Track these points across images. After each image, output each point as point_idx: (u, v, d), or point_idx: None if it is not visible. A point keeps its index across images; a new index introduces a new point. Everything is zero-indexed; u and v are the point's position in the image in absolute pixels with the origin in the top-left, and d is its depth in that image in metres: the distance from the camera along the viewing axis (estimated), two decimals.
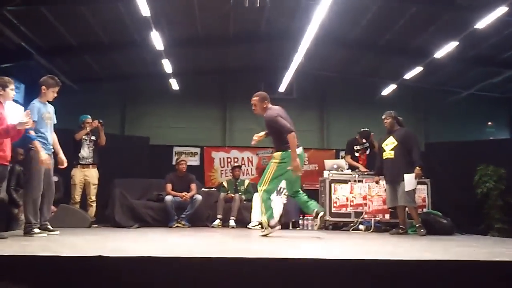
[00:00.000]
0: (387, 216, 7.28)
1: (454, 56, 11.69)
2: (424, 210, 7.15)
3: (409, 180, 6.17)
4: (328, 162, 8.01)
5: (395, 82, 14.27)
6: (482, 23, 9.51)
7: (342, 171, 7.67)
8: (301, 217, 7.96)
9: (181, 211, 7.53)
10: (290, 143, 4.96)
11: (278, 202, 7.34)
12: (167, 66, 12.54)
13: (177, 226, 7.31)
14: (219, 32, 12.33)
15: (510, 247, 4.54)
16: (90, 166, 7.28)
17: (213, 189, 8.92)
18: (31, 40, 10.85)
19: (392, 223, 7.01)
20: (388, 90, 14.76)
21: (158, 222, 7.43)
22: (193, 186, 7.83)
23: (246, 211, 7.78)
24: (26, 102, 12.17)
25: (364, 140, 7.89)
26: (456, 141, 10.67)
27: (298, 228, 7.92)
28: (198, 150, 12.22)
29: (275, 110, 5.26)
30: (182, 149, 12.08)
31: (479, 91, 14.76)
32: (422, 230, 6.17)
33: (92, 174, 7.27)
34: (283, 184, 6.63)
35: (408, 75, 13.40)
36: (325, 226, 7.20)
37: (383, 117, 6.64)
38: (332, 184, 7.44)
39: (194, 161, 11.98)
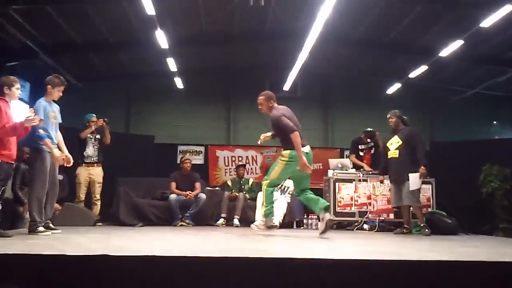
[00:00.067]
0: (391, 216, 7.26)
1: (459, 55, 11.64)
2: (429, 209, 7.13)
3: (413, 180, 6.15)
4: (333, 161, 8.00)
5: (400, 81, 14.24)
6: (487, 22, 9.47)
7: (346, 170, 7.65)
8: (305, 216, 7.96)
9: (185, 210, 7.55)
10: (294, 143, 4.95)
11: (283, 201, 7.32)
12: (172, 64, 12.57)
13: (181, 225, 7.33)
14: (224, 31, 12.33)
15: None
16: (95, 164, 7.31)
17: (218, 188, 8.92)
18: (37, 38, 10.90)
19: (397, 223, 6.99)
20: (393, 89, 14.72)
21: (162, 221, 7.45)
22: (198, 185, 7.85)
23: (250, 210, 7.77)
24: (31, 101, 12.20)
25: (369, 140, 7.87)
26: (461, 140, 10.64)
27: (302, 228, 7.92)
28: (202, 148, 12.23)
29: (280, 109, 5.25)
30: (187, 147, 12.09)
31: (484, 90, 14.70)
32: (426, 230, 6.16)
33: (97, 173, 7.30)
34: (287, 183, 6.64)
35: (413, 74, 13.37)
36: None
37: (388, 116, 6.62)
38: (337, 183, 7.43)
39: (199, 159, 12.00)
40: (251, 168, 12.01)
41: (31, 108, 4.68)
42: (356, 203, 7.37)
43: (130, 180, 8.07)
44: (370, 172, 7.51)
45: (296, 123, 5.19)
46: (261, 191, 7.51)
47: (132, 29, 11.34)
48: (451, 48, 11.09)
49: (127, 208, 7.35)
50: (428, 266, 2.67)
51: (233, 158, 12.23)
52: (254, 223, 6.74)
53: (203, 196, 7.68)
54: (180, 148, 12.07)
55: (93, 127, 7.29)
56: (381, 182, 7.05)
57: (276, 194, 5.56)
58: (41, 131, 4.79)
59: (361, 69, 14.66)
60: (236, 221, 7.66)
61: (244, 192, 8.15)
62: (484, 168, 8.39)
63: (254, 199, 7.87)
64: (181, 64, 12.98)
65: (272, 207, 5.28)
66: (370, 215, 7.29)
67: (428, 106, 15.45)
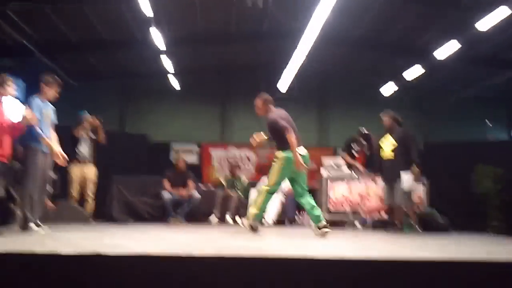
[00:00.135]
0: (383, 215, 7.29)
1: (455, 56, 11.70)
2: (421, 209, 7.16)
3: (406, 179, 6.18)
4: (326, 161, 8.01)
5: (395, 82, 14.28)
6: (483, 24, 9.51)
7: (340, 169, 7.67)
8: (298, 213, 7.98)
9: (179, 208, 7.54)
10: (289, 142, 4.96)
11: (276, 199, 7.35)
12: (167, 64, 12.54)
13: (174, 223, 7.32)
14: (220, 31, 12.33)
15: (506, 246, 4.56)
16: (88, 162, 7.28)
17: (211, 187, 8.93)
18: (33, 37, 10.85)
19: (389, 222, 7.01)
20: (389, 89, 14.77)
21: (155, 218, 7.47)
22: (191, 183, 7.85)
23: (243, 208, 7.77)
24: (27, 99, 12.15)
25: (363, 141, 7.89)
26: (455, 141, 10.68)
27: (295, 225, 7.93)
28: (196, 147, 12.24)
29: (276, 112, 5.27)
30: (181, 146, 12.09)
31: (479, 91, 14.78)
32: (418, 228, 6.18)
33: (90, 171, 7.27)
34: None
35: (408, 75, 13.41)
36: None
37: (382, 117, 6.64)
38: (330, 182, 7.45)
39: (192, 158, 12.00)
40: (245, 167, 12.03)
41: (27, 107, 4.68)
42: (349, 201, 7.40)
43: (124, 178, 8.05)
44: (363, 171, 7.53)
45: (293, 126, 5.18)
46: (256, 191, 7.59)
47: (128, 29, 11.32)
48: (447, 49, 11.14)
49: (120, 205, 7.36)
50: (419, 265, 2.68)
51: (227, 157, 12.24)
52: (243, 218, 6.71)
53: (196, 195, 7.68)
54: (174, 146, 12.07)
55: (86, 124, 7.25)
56: (374, 181, 7.06)
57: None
58: (39, 130, 4.79)
59: (357, 70, 14.71)
60: (229, 219, 7.67)
61: (236, 189, 8.18)
62: (477, 168, 8.43)
63: (247, 197, 7.90)
64: (177, 64, 12.97)
65: (263, 213, 5.30)
66: (362, 214, 7.31)
67: (423, 107, 15.53)
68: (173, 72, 13.47)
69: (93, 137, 7.33)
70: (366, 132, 7.91)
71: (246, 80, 14.48)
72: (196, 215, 7.73)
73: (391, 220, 6.83)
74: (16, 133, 4.57)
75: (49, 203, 6.90)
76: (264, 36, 12.73)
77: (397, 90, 14.54)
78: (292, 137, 4.96)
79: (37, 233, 4.51)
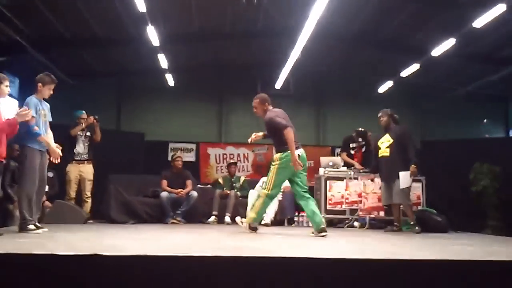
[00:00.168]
0: (382, 214, 7.29)
1: (451, 53, 11.70)
2: (419, 207, 7.16)
3: (404, 178, 6.18)
4: (324, 160, 8.01)
5: (392, 79, 14.30)
6: (480, 21, 9.52)
7: (337, 168, 7.67)
8: (297, 214, 7.97)
9: (177, 208, 7.52)
10: (287, 139, 4.96)
11: (274, 199, 7.33)
12: (163, 61, 12.51)
13: (173, 223, 7.31)
14: (216, 28, 12.30)
15: (504, 246, 4.57)
16: (85, 162, 7.25)
17: (209, 186, 8.92)
18: (26, 34, 10.78)
19: (387, 221, 7.02)
20: (385, 87, 14.79)
21: (153, 218, 7.43)
22: (189, 182, 7.83)
23: (242, 208, 7.75)
24: (20, 96, 12.12)
25: (360, 139, 7.90)
26: (452, 139, 10.72)
27: (293, 225, 7.93)
28: (194, 146, 12.22)
29: (274, 112, 5.27)
30: (178, 145, 12.08)
31: (476, 89, 14.80)
32: (416, 227, 6.19)
33: (87, 170, 7.24)
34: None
35: (405, 72, 13.43)
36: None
37: (379, 115, 6.63)
38: (328, 181, 7.44)
39: (190, 157, 12.00)
40: (243, 166, 12.04)
41: (24, 107, 4.65)
42: (347, 201, 7.39)
43: (121, 177, 8.03)
44: (361, 170, 7.53)
45: (291, 125, 5.19)
46: (253, 189, 7.58)
47: (123, 25, 11.27)
48: (443, 46, 11.15)
49: (117, 205, 7.32)
50: (418, 265, 2.69)
51: (225, 156, 12.25)
52: (241, 218, 6.71)
53: (194, 193, 7.66)
54: (171, 145, 12.06)
55: (83, 124, 7.23)
56: (372, 180, 7.07)
57: None
58: (36, 128, 4.77)
59: (354, 67, 14.71)
60: (227, 219, 7.65)
61: (235, 190, 8.15)
62: (474, 167, 8.46)
63: (246, 196, 7.87)
64: (173, 61, 12.94)
65: (262, 215, 5.32)
66: (360, 213, 7.31)
67: (420, 105, 15.54)
68: (169, 70, 13.43)
69: (90, 136, 7.31)
70: (363, 130, 7.92)
71: (242, 78, 14.46)
72: (194, 214, 7.71)
73: (389, 219, 6.85)
74: (11, 131, 4.54)
75: (47, 202, 6.89)
76: (259, 34, 12.69)
77: (394, 87, 14.55)
78: (290, 134, 4.96)
79: (35, 234, 4.49)
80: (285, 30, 11.76)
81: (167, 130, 14.23)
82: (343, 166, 7.76)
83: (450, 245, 4.39)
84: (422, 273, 2.57)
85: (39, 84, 4.98)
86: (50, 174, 6.89)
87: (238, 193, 8.09)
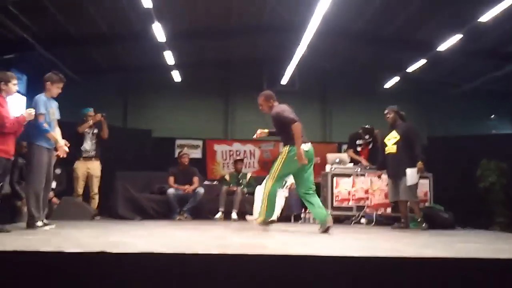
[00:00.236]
0: (388, 210, 7.28)
1: (457, 49, 11.64)
2: (426, 204, 7.14)
3: (411, 175, 6.16)
4: (331, 156, 8.00)
5: (398, 75, 14.23)
6: (486, 16, 9.46)
7: (344, 165, 7.66)
8: (303, 210, 7.97)
9: (184, 204, 7.56)
10: (294, 133, 4.96)
11: (280, 195, 7.34)
12: (169, 58, 12.53)
13: (180, 219, 7.34)
14: (221, 24, 12.29)
15: (511, 243, 4.55)
16: (93, 158, 7.29)
17: (215, 182, 8.94)
18: (33, 31, 10.84)
19: (394, 217, 7.01)
20: (391, 83, 14.73)
21: (160, 215, 7.47)
22: (196, 179, 7.86)
23: (248, 204, 7.79)
24: (28, 93, 12.19)
25: (367, 136, 7.88)
26: (458, 135, 10.66)
27: (300, 222, 7.93)
28: (200, 142, 12.23)
29: (280, 107, 5.27)
30: (185, 141, 12.10)
31: (482, 84, 14.69)
32: (423, 224, 6.18)
33: (95, 167, 7.29)
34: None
35: (411, 68, 13.37)
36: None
37: (385, 112, 6.61)
38: (334, 178, 7.43)
39: (196, 153, 12.02)
40: (249, 162, 12.04)
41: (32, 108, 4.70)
42: (353, 197, 7.38)
43: (128, 174, 8.08)
44: (368, 167, 7.51)
45: (298, 119, 5.18)
46: (259, 185, 7.58)
47: (129, 22, 11.29)
48: (449, 42, 11.10)
49: (125, 202, 7.36)
50: (425, 263, 2.68)
51: (231, 152, 12.25)
52: (251, 215, 6.74)
53: (201, 190, 7.70)
54: (178, 142, 12.08)
55: (90, 121, 7.27)
56: (379, 177, 7.06)
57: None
58: (46, 124, 4.81)
59: (359, 63, 14.65)
60: (234, 215, 7.67)
61: (242, 187, 8.17)
62: (481, 163, 8.42)
63: (252, 193, 7.88)
64: (179, 58, 12.95)
65: (274, 208, 5.31)
66: (367, 210, 7.30)
67: (426, 100, 15.45)
68: (175, 66, 13.45)
69: (97, 133, 7.35)
70: (369, 126, 7.90)
71: (248, 74, 14.45)
72: (201, 211, 7.74)
73: (396, 215, 6.84)
74: (19, 128, 4.58)
75: (54, 199, 6.95)
76: (265, 30, 12.65)
77: (400, 83, 14.49)
78: (297, 128, 4.96)
79: (43, 231, 4.53)
80: (291, 26, 11.72)
81: (173, 126, 14.26)
82: (349, 162, 7.74)
83: (456, 242, 4.37)
84: (429, 271, 2.57)
85: (48, 83, 5.02)
86: (58, 171, 6.94)
87: (245, 189, 8.11)
